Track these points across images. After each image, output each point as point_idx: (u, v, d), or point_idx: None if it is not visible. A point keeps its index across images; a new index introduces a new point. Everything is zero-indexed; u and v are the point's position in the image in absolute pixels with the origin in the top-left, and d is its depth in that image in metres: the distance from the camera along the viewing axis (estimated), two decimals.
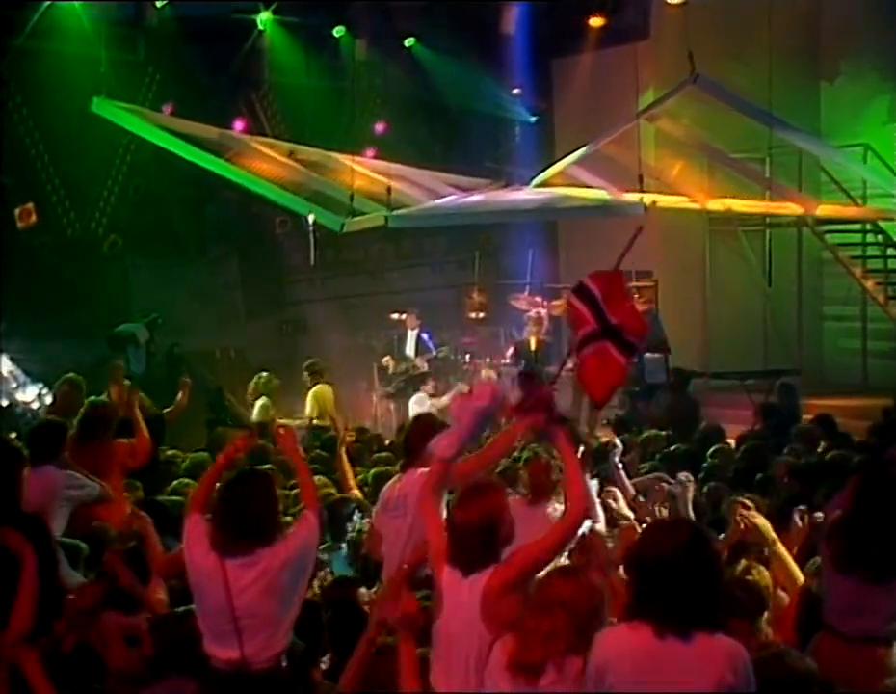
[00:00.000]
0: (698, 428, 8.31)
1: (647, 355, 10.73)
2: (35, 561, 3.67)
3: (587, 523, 4.50)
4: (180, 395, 7.86)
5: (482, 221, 12.44)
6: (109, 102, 10.82)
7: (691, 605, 2.75)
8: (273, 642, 3.65)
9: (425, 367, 11.64)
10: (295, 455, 4.32)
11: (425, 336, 11.96)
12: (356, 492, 6.19)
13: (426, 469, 4.54)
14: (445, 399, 10.65)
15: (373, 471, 6.55)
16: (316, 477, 6.27)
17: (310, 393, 10.15)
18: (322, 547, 5.37)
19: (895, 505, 3.80)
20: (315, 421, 9.77)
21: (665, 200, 11.42)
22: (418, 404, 10.76)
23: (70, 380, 7.26)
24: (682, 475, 5.46)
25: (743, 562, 4.24)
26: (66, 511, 5.21)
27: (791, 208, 11.68)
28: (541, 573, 3.19)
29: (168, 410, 7.74)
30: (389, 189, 10.94)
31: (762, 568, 4.24)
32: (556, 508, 4.96)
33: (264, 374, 9.97)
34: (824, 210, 12.10)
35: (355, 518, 5.69)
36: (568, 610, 2.94)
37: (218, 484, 4.04)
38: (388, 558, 4.80)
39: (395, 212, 10.95)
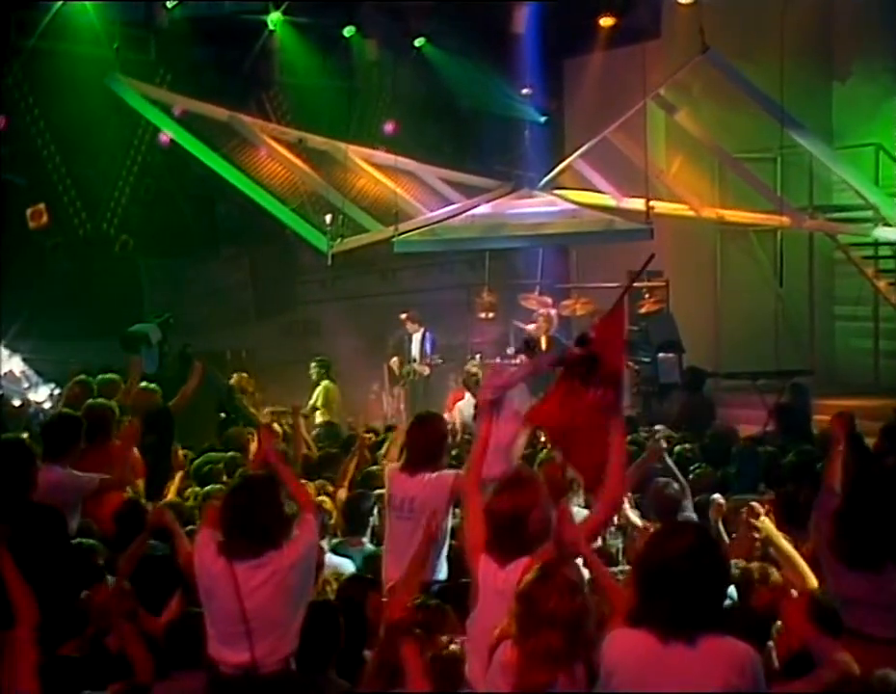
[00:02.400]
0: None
1: (661, 355, 10.69)
2: (10, 561, 3.70)
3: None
4: (188, 383, 7.62)
5: (486, 246, 12.51)
6: (122, 77, 10.89)
7: (696, 610, 2.74)
8: (282, 644, 3.67)
9: (426, 371, 11.60)
10: (274, 458, 4.24)
11: (428, 339, 11.89)
12: (343, 492, 6.05)
13: (436, 474, 4.53)
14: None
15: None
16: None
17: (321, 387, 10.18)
18: (337, 541, 5.36)
19: (889, 494, 3.87)
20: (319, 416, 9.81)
21: (663, 207, 11.44)
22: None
23: (80, 381, 7.24)
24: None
25: (756, 564, 4.22)
26: (75, 512, 5.19)
27: (781, 221, 11.74)
28: (523, 583, 3.13)
29: (174, 401, 7.47)
30: (397, 213, 11.18)
31: (774, 570, 4.24)
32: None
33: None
34: (810, 225, 12.16)
35: (376, 512, 5.55)
36: (556, 626, 2.92)
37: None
38: (390, 557, 4.72)
39: (400, 235, 11.23)
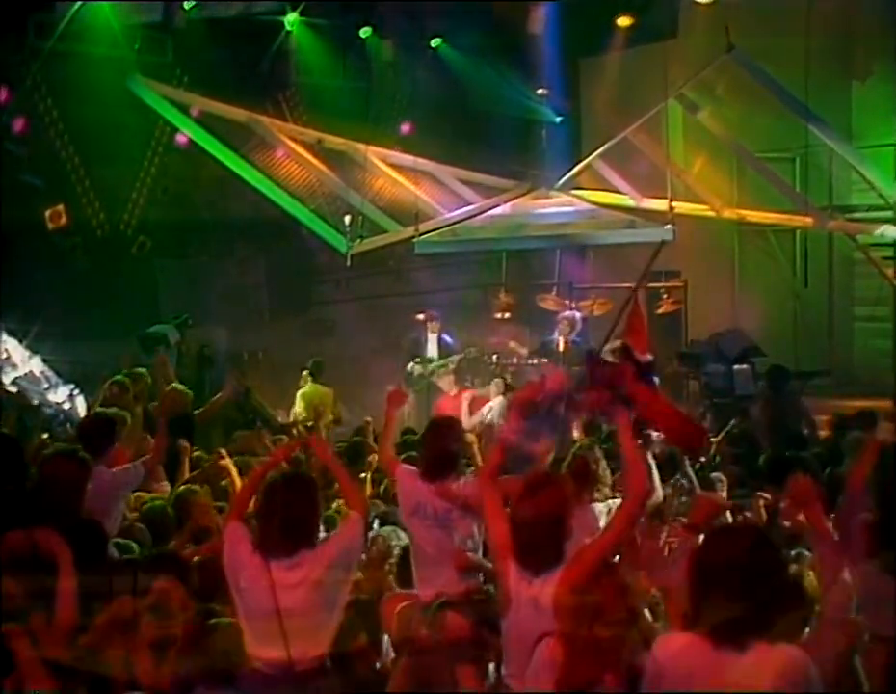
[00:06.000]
0: (800, 428, 8.08)
1: (736, 367, 10.46)
2: (71, 561, 3.70)
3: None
4: (220, 394, 7.80)
5: (506, 246, 12.48)
6: (143, 80, 10.96)
7: (748, 614, 2.68)
8: (317, 642, 3.66)
9: (451, 366, 11.40)
10: (330, 459, 4.40)
11: (446, 338, 11.77)
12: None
13: (463, 481, 4.43)
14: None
15: None
16: None
17: (300, 393, 9.95)
18: None
19: None
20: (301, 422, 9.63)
21: (682, 207, 11.40)
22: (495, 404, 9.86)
23: (118, 381, 7.28)
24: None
25: (794, 567, 4.16)
26: (121, 507, 5.22)
27: (805, 221, 11.66)
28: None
29: (202, 410, 7.66)
30: (418, 215, 11.18)
31: (811, 573, 4.17)
32: (597, 507, 4.92)
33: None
34: (833, 226, 12.10)
35: (374, 526, 5.36)
36: (608, 622, 2.91)
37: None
38: (422, 569, 4.52)
39: (421, 236, 11.25)
